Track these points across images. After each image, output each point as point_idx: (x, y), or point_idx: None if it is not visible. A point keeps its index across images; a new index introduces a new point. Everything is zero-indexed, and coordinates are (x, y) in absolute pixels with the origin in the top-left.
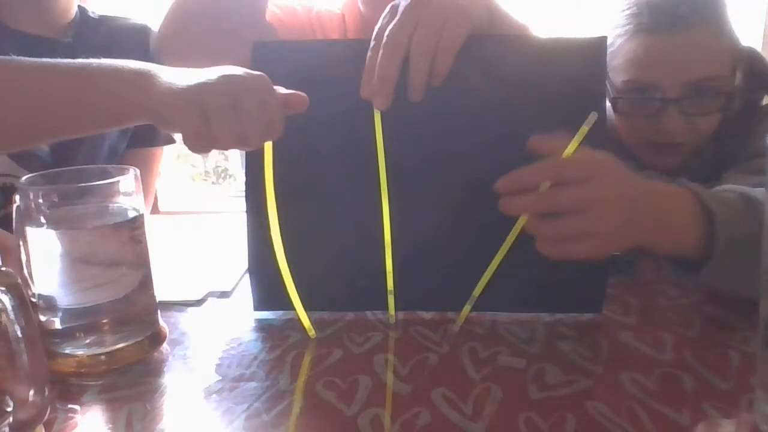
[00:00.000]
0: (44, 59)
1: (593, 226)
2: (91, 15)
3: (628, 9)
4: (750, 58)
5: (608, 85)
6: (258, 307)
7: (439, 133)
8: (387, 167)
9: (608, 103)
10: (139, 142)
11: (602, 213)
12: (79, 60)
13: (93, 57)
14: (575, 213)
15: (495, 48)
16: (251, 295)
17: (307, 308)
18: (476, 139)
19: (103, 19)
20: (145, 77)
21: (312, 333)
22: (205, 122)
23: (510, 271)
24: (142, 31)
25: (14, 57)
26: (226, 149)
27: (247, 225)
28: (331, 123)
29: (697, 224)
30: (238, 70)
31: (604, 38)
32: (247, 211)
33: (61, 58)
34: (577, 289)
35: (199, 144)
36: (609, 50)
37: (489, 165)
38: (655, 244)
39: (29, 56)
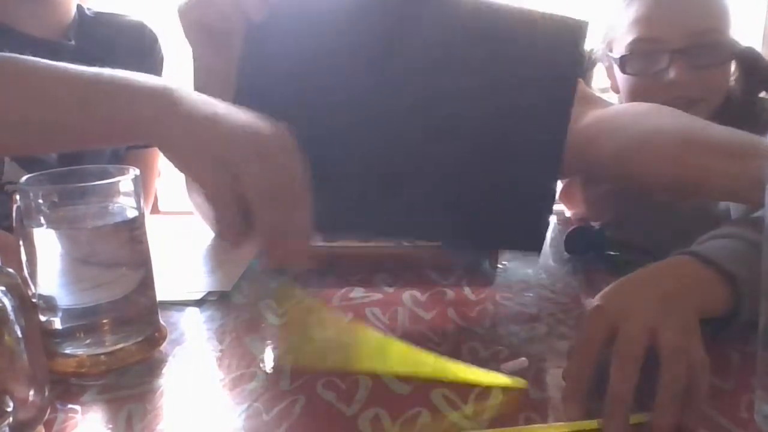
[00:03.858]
0: (58, 63)
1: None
2: (88, 13)
3: None
4: (750, 57)
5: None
6: None
7: (429, 94)
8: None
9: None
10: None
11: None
12: (93, 69)
13: (93, 56)
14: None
15: (481, 15)
16: None
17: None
18: (459, 106)
19: (100, 17)
20: (163, 103)
21: None
22: (228, 175)
23: (452, 203)
24: (139, 29)
25: (25, 57)
26: (259, 209)
27: None
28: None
29: (724, 291)
30: (261, 121)
31: (586, 23)
32: None
33: (67, 61)
34: (518, 227)
35: (224, 203)
36: (612, 25)
37: (470, 129)
38: None
39: (38, 55)
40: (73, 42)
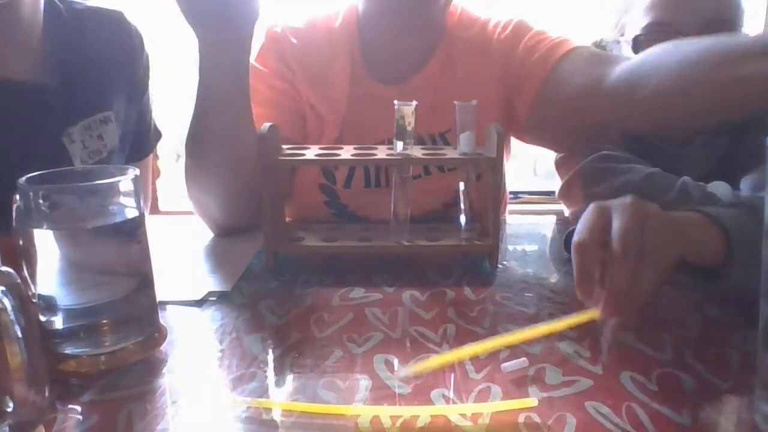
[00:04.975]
0: None
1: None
2: (64, 13)
3: None
4: None
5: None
6: None
7: None
8: None
9: None
10: (135, 156)
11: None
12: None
13: (81, 93)
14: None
15: None
16: None
17: None
18: None
19: (76, 13)
20: None
21: None
22: None
23: None
24: (126, 32)
25: None
26: None
27: None
28: None
29: (716, 240)
30: None
31: None
32: None
33: (54, 101)
34: None
35: None
36: (627, 9)
37: None
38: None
39: (21, 105)
40: (57, 83)
